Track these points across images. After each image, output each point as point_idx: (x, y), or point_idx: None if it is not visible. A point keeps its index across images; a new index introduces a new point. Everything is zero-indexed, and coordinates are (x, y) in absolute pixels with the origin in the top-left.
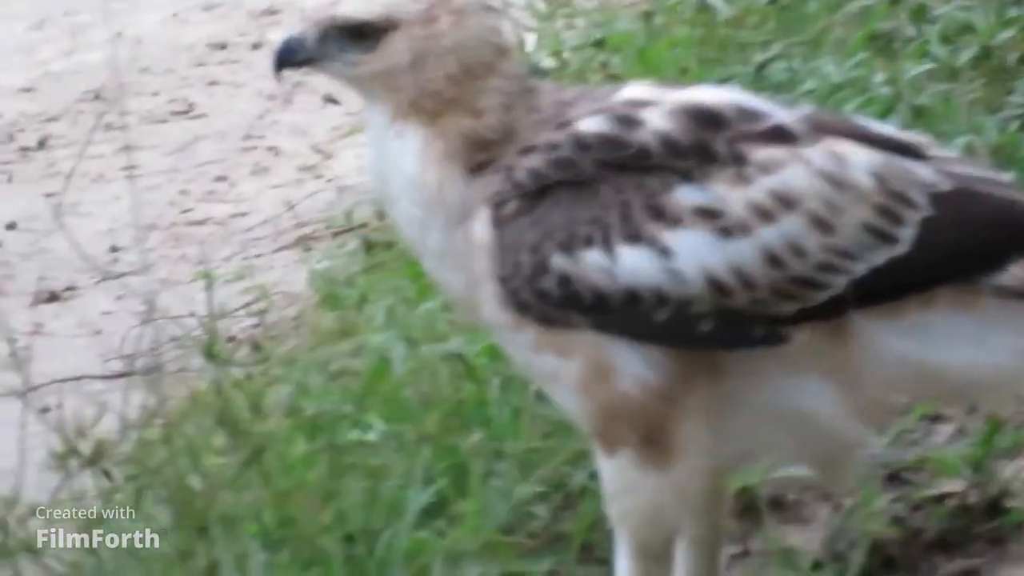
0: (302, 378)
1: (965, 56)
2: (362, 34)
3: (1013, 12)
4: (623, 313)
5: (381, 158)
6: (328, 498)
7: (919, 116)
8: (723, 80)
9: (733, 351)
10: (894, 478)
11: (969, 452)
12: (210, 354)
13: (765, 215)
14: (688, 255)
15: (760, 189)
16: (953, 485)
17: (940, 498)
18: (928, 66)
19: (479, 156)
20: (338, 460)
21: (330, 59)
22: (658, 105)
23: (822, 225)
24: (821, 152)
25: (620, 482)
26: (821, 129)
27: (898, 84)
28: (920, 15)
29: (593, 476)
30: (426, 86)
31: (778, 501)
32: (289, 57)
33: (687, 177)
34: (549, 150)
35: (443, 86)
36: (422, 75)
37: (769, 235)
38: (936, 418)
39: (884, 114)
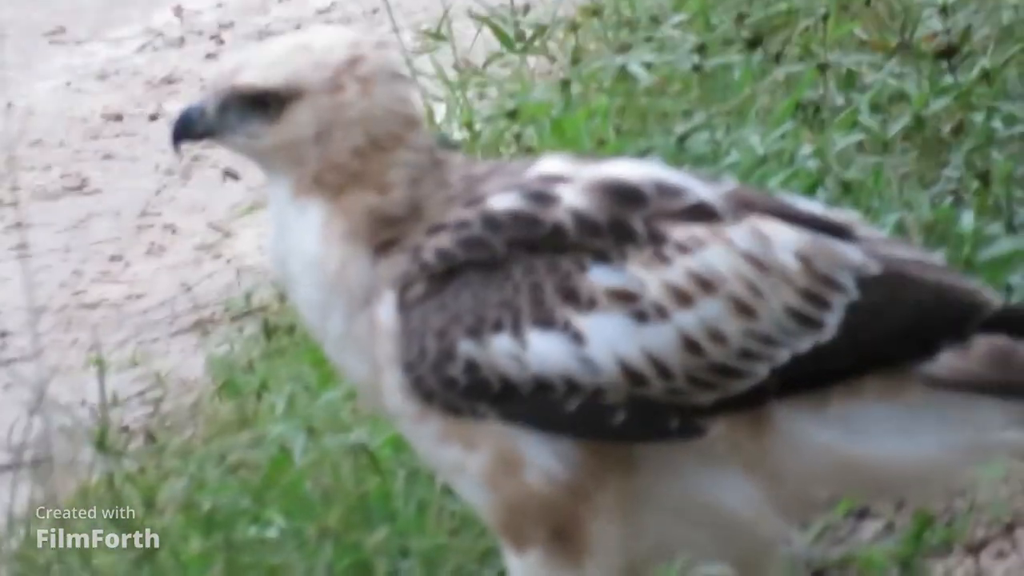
0: (198, 471)
1: (896, 127)
2: (264, 104)
3: (947, 80)
4: (532, 402)
5: (282, 236)
6: None
7: (848, 190)
8: (643, 152)
9: (647, 444)
10: None
11: (897, 549)
12: (102, 445)
13: (684, 298)
14: (601, 341)
15: (679, 270)
16: None
17: None
18: (857, 137)
19: (385, 234)
20: (236, 558)
21: (231, 131)
22: (573, 181)
23: (744, 309)
24: (744, 231)
25: None
26: (745, 206)
27: (826, 156)
28: (849, 83)
29: (503, 574)
30: (331, 159)
31: None
32: (188, 129)
33: (602, 257)
34: (458, 228)
35: (348, 159)
36: (327, 147)
37: (687, 320)
38: (863, 513)
39: (811, 188)
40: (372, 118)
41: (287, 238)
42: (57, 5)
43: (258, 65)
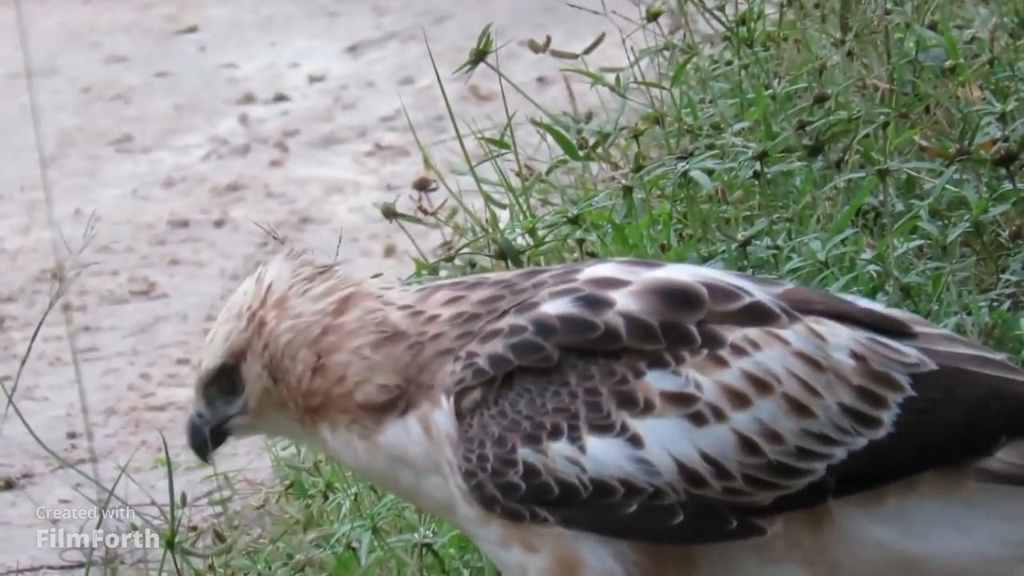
0: (266, 569)
1: (956, 232)
2: (229, 379)
3: (1006, 186)
4: (591, 506)
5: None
6: None
7: (908, 295)
8: (705, 258)
9: (707, 544)
10: None
11: None
12: (170, 544)
13: (740, 399)
14: (658, 443)
15: (735, 372)
16: None
17: None
18: (917, 243)
19: (392, 404)
20: None
21: (227, 419)
22: (627, 284)
23: (800, 408)
24: (799, 331)
25: None
26: (800, 307)
27: (886, 261)
28: (909, 189)
29: None
30: (298, 388)
31: None
32: (199, 439)
33: (658, 361)
34: (511, 334)
35: (309, 380)
36: (288, 380)
37: (744, 420)
38: None
39: (871, 293)
40: (301, 327)
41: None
42: (124, 114)
43: (208, 349)
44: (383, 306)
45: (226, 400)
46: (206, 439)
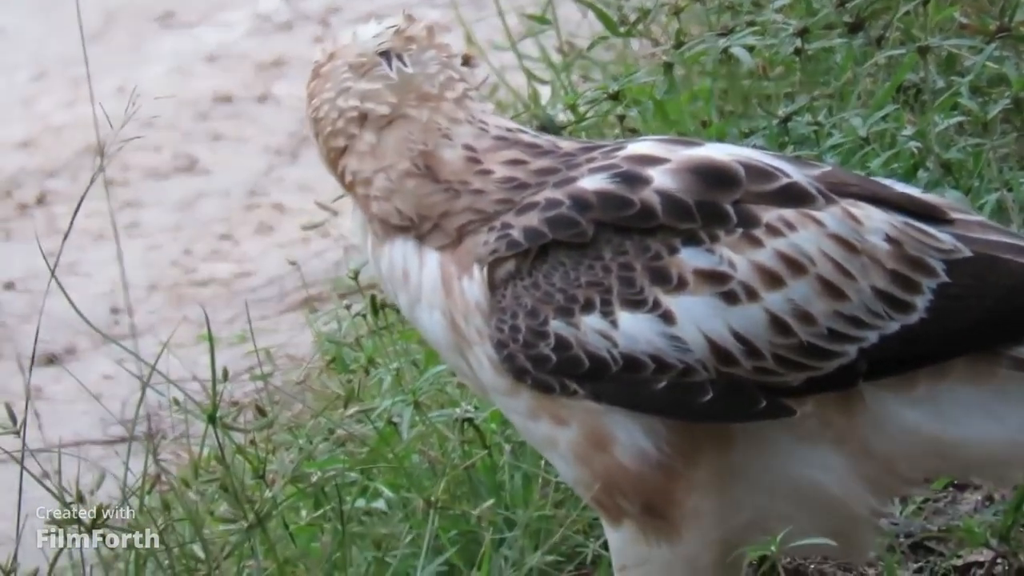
0: (307, 444)
1: (996, 108)
2: None
3: None
4: (621, 381)
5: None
6: (334, 568)
7: (948, 171)
8: (746, 134)
9: (736, 423)
10: (918, 548)
11: (996, 521)
12: (213, 419)
13: (773, 279)
14: (690, 320)
15: (769, 252)
16: (979, 555)
17: (966, 568)
18: (958, 119)
19: (414, 230)
20: (344, 528)
21: None
22: (665, 162)
23: (833, 290)
24: (835, 213)
25: (628, 555)
26: (837, 189)
27: (927, 138)
28: (950, 66)
29: (607, 545)
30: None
31: (798, 571)
32: None
33: (692, 239)
34: (547, 208)
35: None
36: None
37: (776, 300)
38: (962, 486)
39: (912, 169)
40: (341, 113)
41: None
42: None
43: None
44: (444, 137)
45: None
46: None
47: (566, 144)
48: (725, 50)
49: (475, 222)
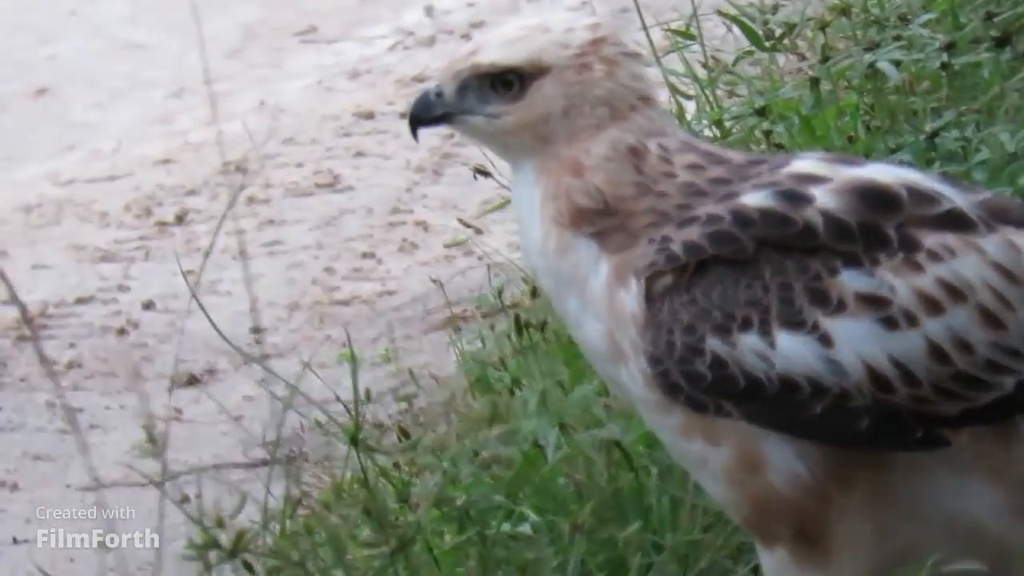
0: (451, 466)
1: None
2: (505, 83)
3: None
4: (777, 403)
5: (522, 224)
6: None
7: None
8: (893, 150)
9: (891, 451)
10: None
11: None
12: (355, 441)
13: (933, 306)
14: (849, 344)
15: (930, 278)
16: None
17: None
18: None
19: (600, 221)
20: (489, 553)
21: (470, 112)
22: (827, 182)
23: (992, 320)
24: (997, 242)
25: None
26: (999, 217)
27: None
28: None
29: (756, 570)
30: (569, 133)
31: None
32: (425, 113)
33: (853, 261)
34: (708, 223)
35: (585, 135)
36: (574, 123)
37: (936, 328)
38: None
39: None
40: (616, 96)
41: (525, 226)
42: (308, 5)
43: (498, 44)
44: (652, 135)
45: (481, 98)
46: (430, 116)
47: (736, 156)
48: (871, 65)
49: (655, 224)
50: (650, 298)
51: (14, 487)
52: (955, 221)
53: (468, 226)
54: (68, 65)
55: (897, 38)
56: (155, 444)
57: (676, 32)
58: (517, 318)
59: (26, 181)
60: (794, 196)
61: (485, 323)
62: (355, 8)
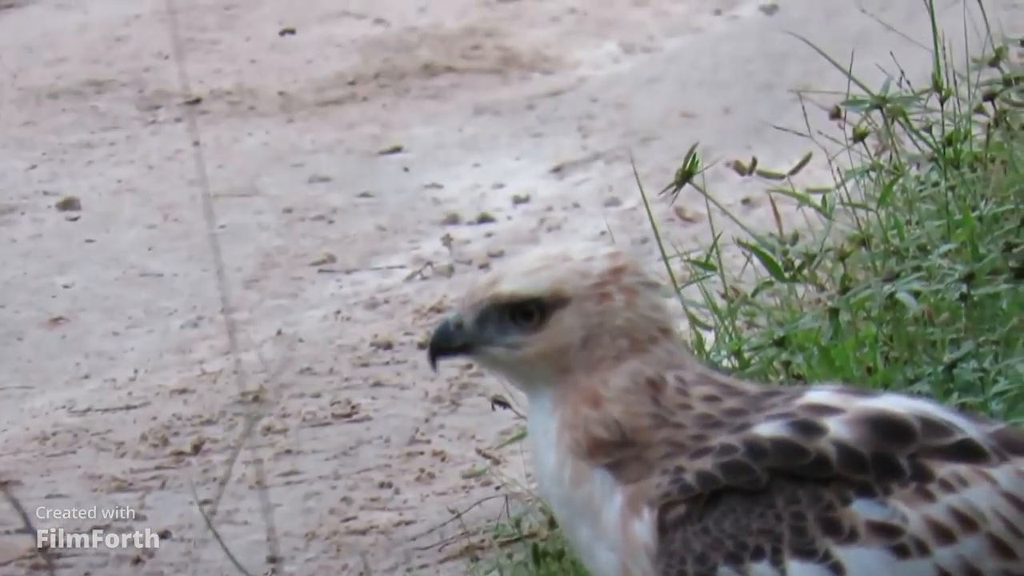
0: None
1: None
2: (525, 313)
3: None
4: None
5: (536, 453)
6: None
7: None
8: (911, 380)
9: None
10: None
11: None
12: None
13: (945, 535)
14: (861, 572)
15: (942, 507)
16: None
17: None
18: None
19: (617, 452)
20: None
21: (490, 343)
22: (841, 412)
23: (1003, 550)
24: (1009, 472)
25: None
26: (1012, 447)
27: None
28: None
29: None
30: (588, 364)
31: None
32: (445, 343)
33: (866, 490)
34: (722, 453)
35: (604, 366)
36: (594, 354)
37: (947, 556)
38: None
39: None
40: (636, 327)
41: (540, 454)
42: (326, 235)
43: (518, 275)
44: (670, 367)
45: (501, 328)
46: (450, 346)
47: (751, 387)
48: (891, 295)
49: (670, 455)
50: (662, 528)
51: None
52: (967, 451)
53: (486, 456)
54: (84, 293)
55: (916, 268)
56: None
57: (696, 263)
58: (535, 547)
59: (42, 410)
60: (807, 426)
61: (503, 552)
62: (373, 238)
